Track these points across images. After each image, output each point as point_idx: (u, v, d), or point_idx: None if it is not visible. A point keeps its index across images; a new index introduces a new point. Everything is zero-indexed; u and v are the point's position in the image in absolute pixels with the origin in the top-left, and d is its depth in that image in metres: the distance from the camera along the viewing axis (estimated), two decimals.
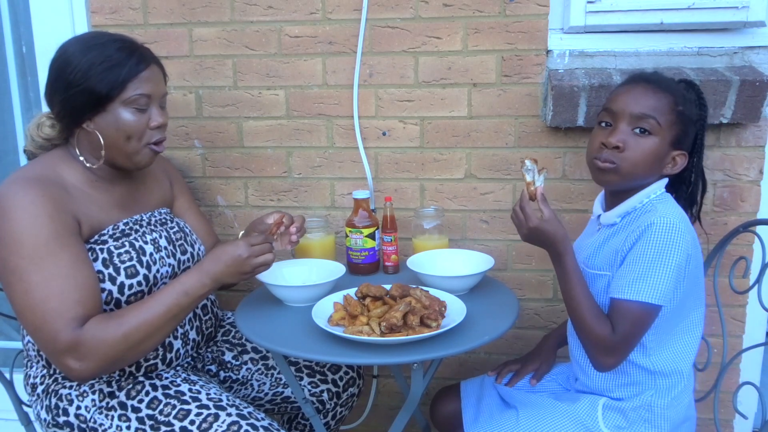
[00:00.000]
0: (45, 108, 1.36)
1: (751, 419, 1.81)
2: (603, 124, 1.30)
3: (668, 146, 1.26)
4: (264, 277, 1.45)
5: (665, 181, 1.30)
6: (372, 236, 1.66)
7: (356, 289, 1.42)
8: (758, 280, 1.38)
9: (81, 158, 1.31)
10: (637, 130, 1.24)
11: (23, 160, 2.12)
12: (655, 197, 1.28)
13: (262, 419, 1.29)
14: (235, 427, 1.24)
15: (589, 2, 1.66)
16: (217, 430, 1.23)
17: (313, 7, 1.76)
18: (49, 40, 1.88)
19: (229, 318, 1.67)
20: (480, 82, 1.75)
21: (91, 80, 1.24)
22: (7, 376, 1.53)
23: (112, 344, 1.18)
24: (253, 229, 1.50)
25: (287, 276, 1.56)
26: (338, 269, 1.55)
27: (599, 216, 1.37)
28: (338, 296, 1.42)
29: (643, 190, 1.28)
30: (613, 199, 1.33)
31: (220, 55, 1.83)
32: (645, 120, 1.24)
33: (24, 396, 1.45)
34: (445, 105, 1.78)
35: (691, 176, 1.33)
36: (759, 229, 1.45)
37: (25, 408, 1.51)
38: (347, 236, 1.68)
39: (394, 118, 1.81)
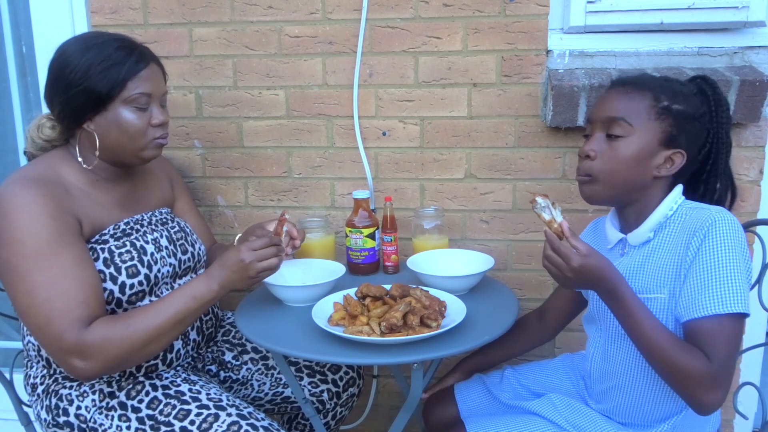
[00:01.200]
0: (45, 108, 1.36)
1: (751, 419, 1.81)
2: (586, 137, 1.23)
3: (656, 146, 1.16)
4: None
5: (680, 187, 1.20)
6: (372, 236, 1.66)
7: (356, 289, 1.42)
8: (758, 281, 1.37)
9: (79, 159, 1.31)
10: (611, 135, 1.17)
11: (23, 160, 2.11)
12: (683, 202, 1.19)
13: (262, 419, 1.29)
14: (235, 427, 1.24)
15: (589, 2, 1.66)
16: (217, 430, 1.23)
17: (313, 7, 1.76)
18: (49, 40, 1.88)
19: (229, 318, 1.67)
20: (480, 82, 1.75)
21: (90, 80, 1.24)
22: (7, 376, 1.53)
23: (119, 345, 1.18)
24: (251, 233, 1.50)
25: (287, 276, 1.56)
26: (338, 269, 1.55)
27: (621, 240, 1.25)
28: (338, 296, 1.42)
29: (667, 198, 1.18)
30: (627, 218, 1.24)
31: (220, 55, 1.83)
32: (615, 123, 1.16)
33: (24, 396, 1.45)
34: (445, 105, 1.78)
35: (702, 177, 1.23)
36: (759, 229, 1.45)
37: (25, 408, 1.51)
38: (347, 236, 1.68)
39: (394, 118, 1.81)
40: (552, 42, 1.73)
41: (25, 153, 1.41)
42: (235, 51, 1.82)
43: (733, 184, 1.25)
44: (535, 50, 1.71)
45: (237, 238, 1.53)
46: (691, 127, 1.18)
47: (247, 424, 1.25)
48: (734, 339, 1.05)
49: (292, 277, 1.57)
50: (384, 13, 1.74)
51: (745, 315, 1.05)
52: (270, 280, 1.48)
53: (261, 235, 1.45)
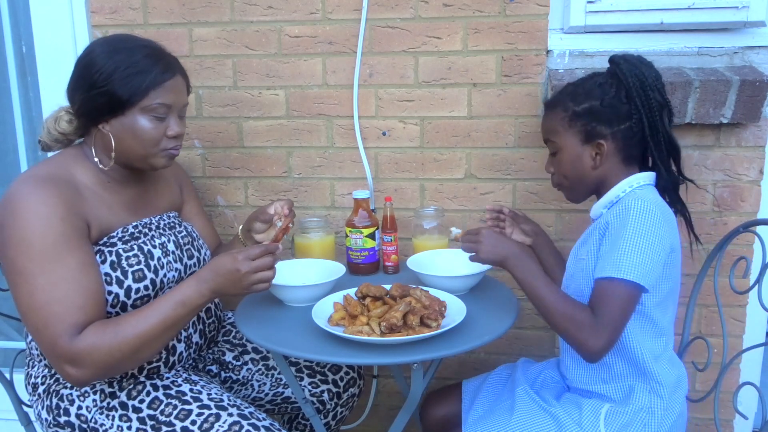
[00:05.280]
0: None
1: (751, 419, 1.81)
2: None
3: (581, 146, 1.33)
4: None
5: (642, 174, 1.32)
6: (372, 236, 1.66)
7: (356, 289, 1.42)
8: (758, 280, 1.37)
9: (96, 159, 1.31)
10: (552, 153, 1.40)
11: (23, 160, 2.12)
12: (637, 186, 1.31)
13: (264, 419, 1.29)
14: (236, 427, 1.24)
15: (589, 2, 1.66)
16: (218, 430, 1.23)
17: (313, 7, 1.76)
18: (49, 40, 1.89)
19: (229, 318, 1.67)
20: (480, 82, 1.75)
21: (114, 83, 1.24)
22: (8, 376, 1.53)
23: (108, 352, 1.17)
24: (255, 219, 1.50)
25: (287, 276, 1.56)
26: (338, 269, 1.55)
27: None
28: (338, 296, 1.42)
29: (623, 180, 1.31)
30: (598, 198, 1.38)
31: (220, 55, 1.83)
32: (549, 144, 1.40)
33: (24, 396, 1.45)
34: (445, 105, 1.78)
35: (650, 148, 1.32)
36: (759, 229, 1.45)
37: (25, 408, 1.51)
38: (347, 236, 1.68)
39: (394, 118, 1.81)
40: (552, 42, 1.73)
41: (39, 142, 1.41)
42: (235, 51, 1.82)
43: (674, 146, 1.33)
44: (535, 50, 1.71)
45: (240, 229, 1.54)
46: (602, 114, 1.31)
47: (249, 424, 1.25)
48: (620, 301, 1.18)
49: (292, 277, 1.57)
50: (384, 13, 1.74)
51: (637, 285, 1.18)
52: None
53: (263, 221, 1.48)
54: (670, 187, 1.33)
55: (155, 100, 1.27)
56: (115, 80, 1.24)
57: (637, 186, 1.31)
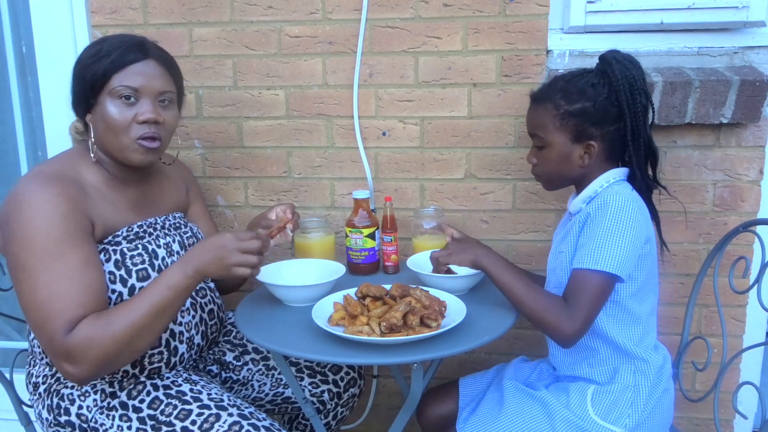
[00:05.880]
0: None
1: (751, 419, 1.82)
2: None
3: (570, 145, 1.33)
4: (264, 277, 1.45)
5: (619, 170, 1.35)
6: (372, 236, 1.66)
7: (356, 289, 1.42)
8: (758, 280, 1.38)
9: (92, 155, 1.32)
10: (537, 146, 1.39)
11: (23, 160, 2.12)
12: (614, 181, 1.34)
13: (264, 419, 1.29)
14: (236, 427, 1.24)
15: (589, 2, 1.66)
16: (218, 430, 1.23)
17: (313, 7, 1.76)
18: (49, 40, 1.89)
19: (230, 318, 1.67)
20: (480, 82, 1.75)
21: (84, 71, 1.28)
22: (8, 376, 1.53)
23: (101, 344, 1.16)
24: (256, 224, 1.52)
25: (287, 276, 1.56)
26: (338, 269, 1.55)
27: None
28: (338, 296, 1.42)
29: (601, 176, 1.34)
30: (577, 192, 1.40)
31: (220, 55, 1.83)
32: (535, 138, 1.39)
33: (24, 396, 1.45)
34: (445, 105, 1.78)
35: (630, 148, 1.33)
36: (759, 229, 1.45)
37: (25, 408, 1.51)
38: (347, 236, 1.68)
39: (394, 118, 1.81)
40: (552, 42, 1.73)
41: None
42: (235, 51, 1.82)
43: (653, 151, 1.36)
44: (535, 50, 1.71)
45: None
46: (593, 116, 1.31)
47: (249, 424, 1.25)
48: (594, 290, 1.23)
49: (292, 277, 1.57)
50: (384, 13, 1.74)
51: (612, 275, 1.23)
52: (270, 280, 1.48)
53: (264, 226, 1.49)
54: (644, 189, 1.35)
55: (119, 83, 1.27)
56: (85, 68, 1.28)
57: (613, 181, 1.34)
